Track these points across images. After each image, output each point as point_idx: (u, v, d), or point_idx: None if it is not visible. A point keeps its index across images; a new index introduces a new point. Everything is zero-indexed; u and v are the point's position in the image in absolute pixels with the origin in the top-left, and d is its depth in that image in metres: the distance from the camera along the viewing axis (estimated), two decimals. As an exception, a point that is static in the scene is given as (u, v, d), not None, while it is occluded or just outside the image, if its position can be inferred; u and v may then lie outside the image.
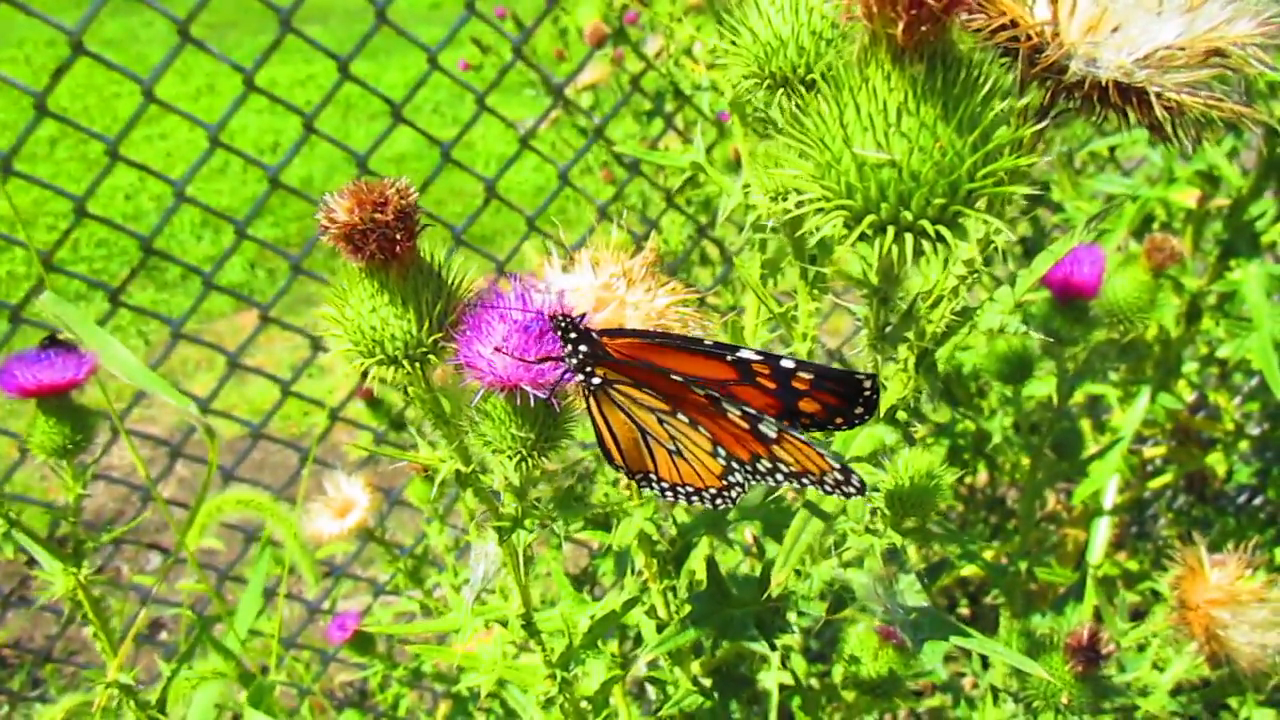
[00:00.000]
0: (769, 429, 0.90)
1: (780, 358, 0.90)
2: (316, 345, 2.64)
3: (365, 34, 2.29)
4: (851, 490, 0.90)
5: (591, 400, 0.97)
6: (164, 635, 3.62)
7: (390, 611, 2.82)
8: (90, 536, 1.50)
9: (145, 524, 4.00)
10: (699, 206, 3.58)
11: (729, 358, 0.92)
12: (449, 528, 2.37)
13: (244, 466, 2.71)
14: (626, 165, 3.29)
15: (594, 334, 0.94)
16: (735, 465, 0.94)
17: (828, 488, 0.91)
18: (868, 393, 0.90)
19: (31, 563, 1.51)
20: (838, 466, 0.89)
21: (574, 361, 0.94)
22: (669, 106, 3.18)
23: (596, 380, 0.95)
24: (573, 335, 0.93)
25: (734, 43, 0.98)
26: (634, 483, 1.00)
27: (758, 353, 0.91)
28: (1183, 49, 0.61)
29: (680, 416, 0.94)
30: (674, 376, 0.92)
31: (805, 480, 0.92)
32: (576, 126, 3.79)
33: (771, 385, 0.92)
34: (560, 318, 0.93)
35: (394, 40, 2.51)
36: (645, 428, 0.96)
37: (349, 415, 2.73)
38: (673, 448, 0.96)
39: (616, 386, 0.95)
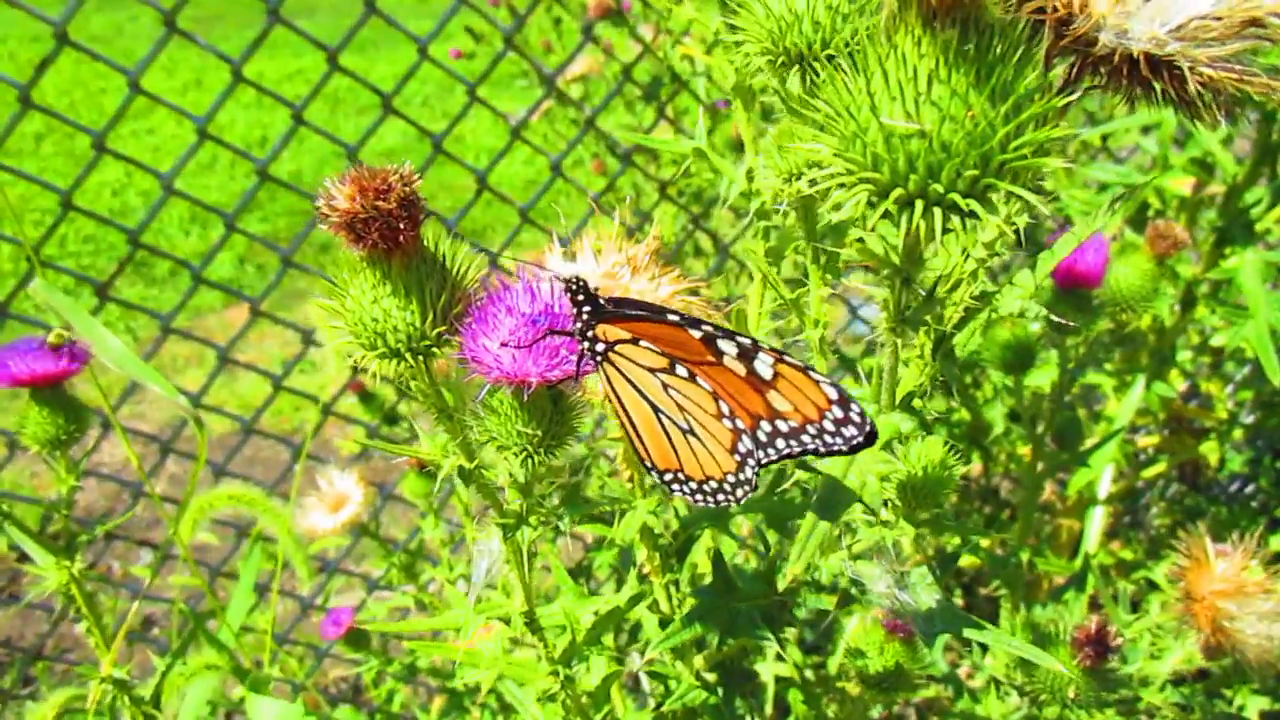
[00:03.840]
0: (764, 365, 0.87)
1: (739, 334, 0.88)
2: (308, 340, 2.62)
3: (354, 25, 2.26)
4: (852, 433, 0.85)
5: (604, 379, 0.95)
6: (155, 631, 3.60)
7: (384, 607, 2.80)
8: (83, 530, 1.48)
9: (136, 521, 3.97)
10: (691, 197, 3.57)
11: (692, 332, 0.89)
12: (444, 522, 2.35)
13: (235, 462, 2.68)
14: (619, 156, 3.27)
15: (601, 299, 0.93)
16: (742, 430, 0.91)
17: (827, 438, 0.86)
18: (837, 411, 0.85)
19: (22, 559, 1.49)
20: (835, 397, 0.84)
21: (579, 325, 0.93)
22: (663, 94, 3.16)
23: (601, 346, 0.93)
24: (580, 297, 0.92)
25: (733, 19, 0.95)
26: (665, 486, 0.97)
27: (718, 328, 0.88)
28: (1219, 19, 0.59)
29: (680, 371, 0.91)
30: (671, 317, 0.90)
31: (806, 438, 0.88)
32: (569, 118, 3.77)
33: (741, 369, 0.89)
34: (573, 279, 0.92)
35: (383, 33, 2.49)
36: (655, 402, 0.94)
37: (341, 410, 2.71)
38: (684, 424, 0.93)
39: (618, 350, 0.93)
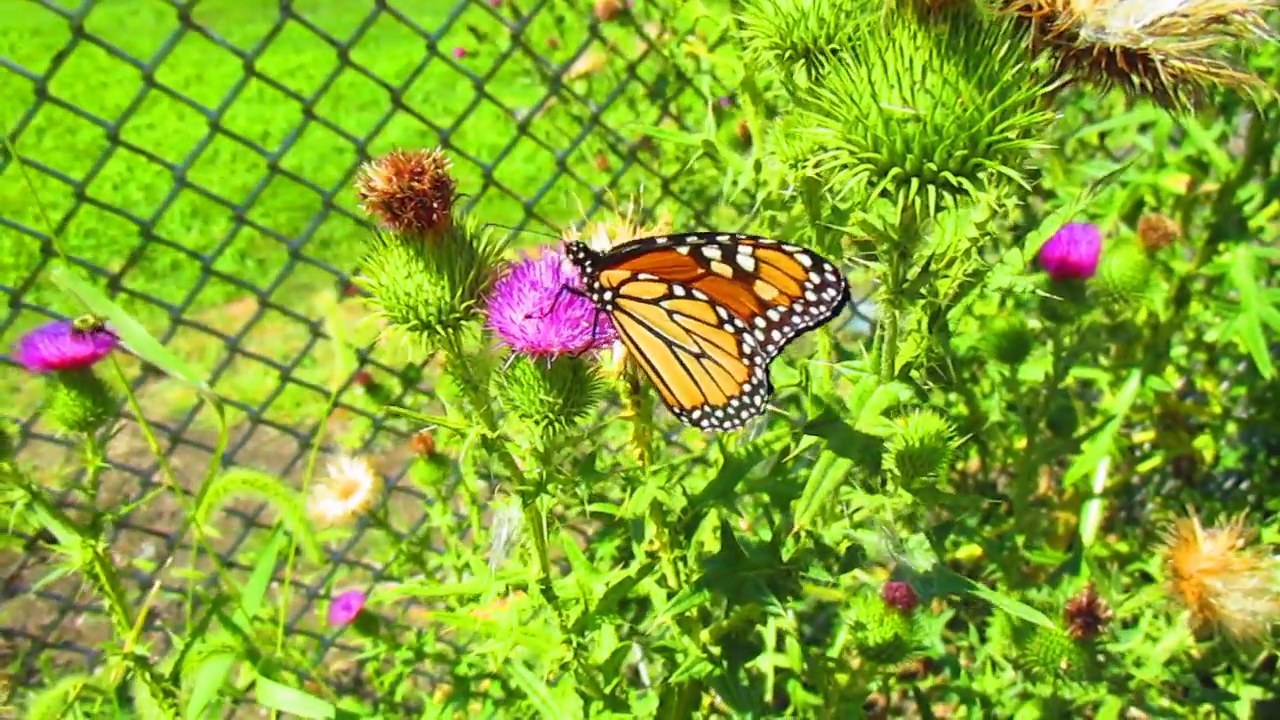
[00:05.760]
0: (745, 257, 0.93)
1: (719, 233, 0.94)
2: (315, 332, 2.66)
3: (364, 21, 2.31)
4: (832, 294, 0.91)
5: (620, 330, 1.02)
6: (159, 623, 3.64)
7: (391, 595, 2.84)
8: (105, 510, 1.52)
9: (137, 514, 4.01)
10: (693, 194, 3.62)
11: (680, 250, 0.96)
12: (450, 512, 2.39)
13: (238, 456, 2.72)
14: (622, 154, 3.31)
15: (598, 252, 1.01)
16: (743, 329, 0.97)
17: (813, 309, 0.93)
18: (814, 277, 0.91)
19: (31, 546, 1.53)
20: (809, 264, 0.91)
21: (585, 281, 1.00)
22: (668, 92, 3.20)
23: (608, 295, 1.00)
24: (582, 255, 1.00)
25: (742, 16, 1.02)
26: (695, 425, 1.04)
27: (701, 235, 0.95)
28: (1186, 15, 0.65)
29: (678, 291, 0.98)
30: (659, 240, 0.97)
31: (795, 319, 0.94)
32: (571, 114, 3.82)
33: (728, 271, 0.95)
34: (572, 243, 1.00)
35: (385, 29, 2.52)
36: (666, 335, 1.00)
37: (346, 401, 2.75)
38: (696, 348, 1.00)
39: (623, 292, 1.00)
